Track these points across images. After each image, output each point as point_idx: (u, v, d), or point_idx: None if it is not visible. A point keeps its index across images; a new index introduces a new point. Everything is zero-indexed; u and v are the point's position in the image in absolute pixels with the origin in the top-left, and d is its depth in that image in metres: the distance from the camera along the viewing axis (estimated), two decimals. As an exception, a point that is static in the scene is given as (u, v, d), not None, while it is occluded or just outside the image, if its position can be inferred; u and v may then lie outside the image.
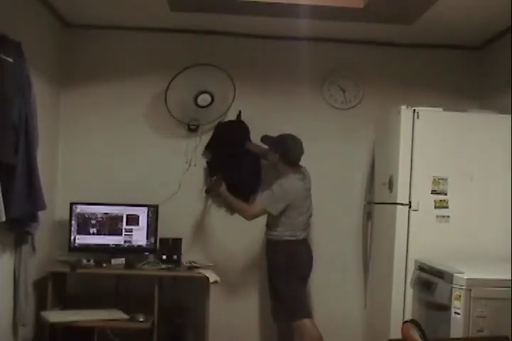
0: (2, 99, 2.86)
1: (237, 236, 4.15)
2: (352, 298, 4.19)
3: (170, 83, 3.96)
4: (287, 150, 3.69)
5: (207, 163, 4.12)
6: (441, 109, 3.49)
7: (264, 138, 3.90)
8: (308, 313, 3.66)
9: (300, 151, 3.71)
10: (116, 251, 3.86)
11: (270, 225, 3.71)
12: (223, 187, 3.74)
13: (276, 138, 3.77)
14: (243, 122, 4.13)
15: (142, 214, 3.90)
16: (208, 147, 4.12)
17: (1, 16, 2.95)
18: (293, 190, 3.62)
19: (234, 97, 4.06)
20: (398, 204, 3.43)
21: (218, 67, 4.00)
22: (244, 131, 4.11)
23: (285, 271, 3.60)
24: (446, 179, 3.42)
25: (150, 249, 3.91)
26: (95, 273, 3.74)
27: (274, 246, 3.69)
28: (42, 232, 3.54)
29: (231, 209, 4.01)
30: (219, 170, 3.96)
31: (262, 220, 3.90)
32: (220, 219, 4.16)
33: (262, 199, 3.66)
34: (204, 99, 3.95)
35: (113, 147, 4.12)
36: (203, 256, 4.04)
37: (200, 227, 4.15)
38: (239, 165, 4.05)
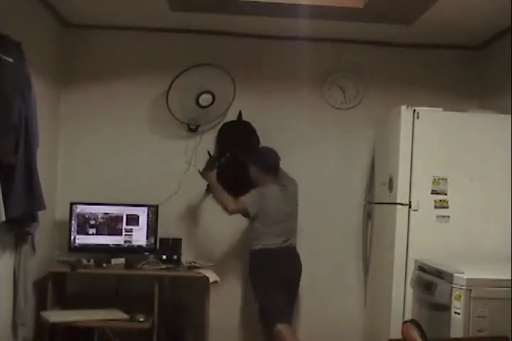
0: (2, 99, 2.86)
1: (237, 236, 4.15)
2: (352, 298, 4.19)
3: (171, 83, 3.97)
4: (262, 159, 3.74)
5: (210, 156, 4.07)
6: (441, 109, 3.49)
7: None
8: (283, 318, 3.57)
9: (275, 158, 3.73)
10: (116, 251, 3.86)
11: (250, 235, 3.75)
12: (213, 173, 3.76)
13: (252, 153, 3.83)
14: (248, 123, 4.12)
15: (142, 214, 3.89)
16: (217, 149, 4.12)
17: (1, 16, 2.95)
18: (269, 198, 3.64)
19: (234, 97, 4.06)
20: (398, 204, 3.43)
21: (219, 67, 4.00)
22: (253, 133, 4.10)
23: (258, 277, 3.62)
24: (446, 179, 3.41)
25: (150, 249, 3.90)
26: (95, 273, 3.74)
27: (251, 255, 3.69)
28: (42, 232, 3.55)
29: (216, 199, 3.91)
30: (223, 171, 3.94)
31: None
32: (220, 219, 4.15)
33: (246, 197, 3.67)
34: (206, 99, 3.96)
35: (113, 147, 4.12)
36: (203, 256, 4.04)
37: (200, 227, 4.15)
38: (246, 167, 4.03)
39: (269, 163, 3.73)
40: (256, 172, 3.74)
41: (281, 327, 3.52)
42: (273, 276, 3.59)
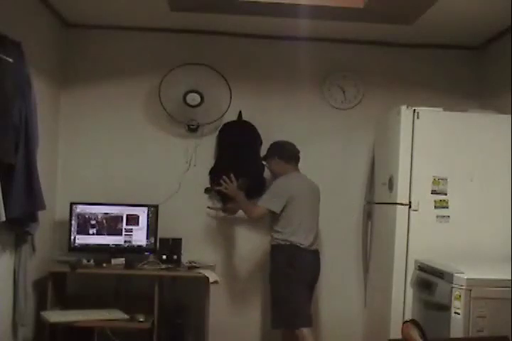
0: (2, 99, 2.86)
1: (238, 236, 4.16)
2: (352, 298, 4.18)
3: (162, 80, 3.99)
4: (282, 148, 3.75)
5: (214, 164, 4.11)
6: (441, 109, 3.49)
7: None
8: (306, 322, 3.52)
9: (295, 149, 3.76)
10: (116, 251, 3.86)
11: (273, 229, 3.65)
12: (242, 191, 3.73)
13: (269, 147, 3.83)
14: (250, 123, 4.12)
15: (142, 214, 3.89)
16: (217, 149, 4.12)
17: (1, 16, 2.95)
18: (291, 185, 3.61)
19: (230, 98, 4.05)
20: (398, 204, 3.43)
21: (212, 67, 4.01)
22: (254, 132, 4.10)
23: (285, 277, 3.53)
24: (446, 179, 3.41)
25: (150, 249, 3.90)
26: (95, 273, 3.74)
27: (275, 251, 3.62)
28: (42, 232, 3.55)
29: (240, 208, 3.86)
30: (225, 171, 3.86)
31: (263, 220, 3.91)
32: (220, 219, 4.16)
33: (263, 198, 3.63)
34: (193, 98, 3.96)
35: (113, 147, 4.12)
36: (203, 256, 4.04)
37: (200, 227, 4.15)
38: (247, 168, 4.01)
39: (289, 151, 3.74)
40: (276, 163, 3.73)
41: (306, 331, 3.46)
42: (300, 275, 3.53)
